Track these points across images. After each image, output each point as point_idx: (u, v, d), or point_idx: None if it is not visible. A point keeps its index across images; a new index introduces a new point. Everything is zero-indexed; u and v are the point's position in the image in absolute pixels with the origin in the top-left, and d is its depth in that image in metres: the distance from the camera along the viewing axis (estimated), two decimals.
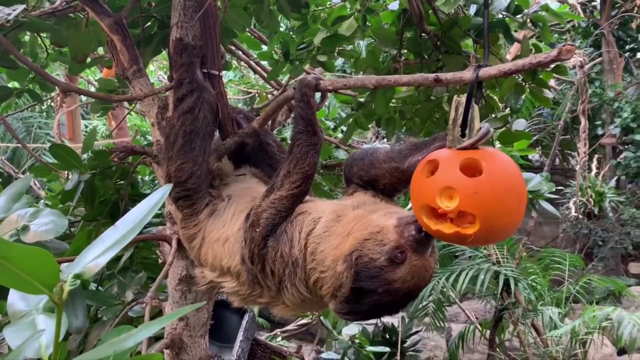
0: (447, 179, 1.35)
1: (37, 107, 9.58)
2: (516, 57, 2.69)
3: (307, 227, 1.69)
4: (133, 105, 4.06)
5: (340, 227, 1.65)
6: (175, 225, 2.20)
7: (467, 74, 1.38)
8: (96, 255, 0.86)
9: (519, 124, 3.18)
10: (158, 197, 0.93)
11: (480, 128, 1.39)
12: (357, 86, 1.70)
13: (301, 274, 1.66)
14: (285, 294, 1.71)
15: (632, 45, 10.72)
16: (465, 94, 1.37)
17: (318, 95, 1.96)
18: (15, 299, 1.03)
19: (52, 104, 8.39)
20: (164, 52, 2.63)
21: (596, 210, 9.33)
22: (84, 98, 8.21)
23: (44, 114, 10.71)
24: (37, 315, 0.96)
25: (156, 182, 4.68)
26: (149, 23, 2.52)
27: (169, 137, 1.98)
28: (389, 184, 1.77)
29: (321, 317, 4.86)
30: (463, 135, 1.41)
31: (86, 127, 9.91)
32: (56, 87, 3.91)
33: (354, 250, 1.56)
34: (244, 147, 2.22)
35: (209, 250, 1.92)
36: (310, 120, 1.74)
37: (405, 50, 2.73)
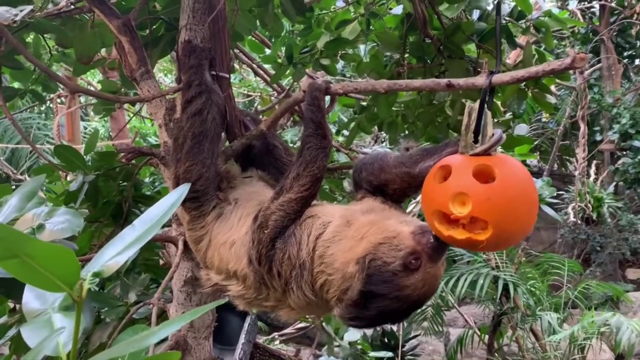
0: (460, 185, 1.36)
1: (35, 108, 9.59)
2: (518, 63, 2.71)
3: (316, 231, 1.69)
4: (133, 107, 4.07)
5: (352, 231, 1.65)
6: (181, 227, 2.20)
7: (480, 80, 1.38)
8: (115, 254, 0.87)
9: (521, 129, 3.19)
10: (176, 197, 0.93)
11: (493, 134, 1.39)
12: (367, 90, 1.70)
13: (308, 277, 1.66)
14: (290, 296, 1.71)
15: (630, 52, 10.78)
16: (478, 100, 1.38)
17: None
18: (30, 298, 1.03)
19: (52, 105, 8.39)
20: (169, 54, 2.65)
21: (594, 216, 9.36)
22: (82, 99, 8.22)
23: (43, 115, 10.71)
24: (53, 314, 0.96)
25: (156, 184, 4.68)
26: (156, 25, 2.53)
27: (177, 139, 1.99)
28: (399, 189, 1.77)
29: (323, 323, 4.86)
30: (476, 141, 1.42)
31: (85, 128, 9.91)
32: (59, 88, 3.93)
33: (367, 253, 1.56)
34: (251, 150, 2.23)
35: (215, 253, 1.92)
36: (320, 123, 1.75)
37: (407, 55, 2.74)
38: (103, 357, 0.82)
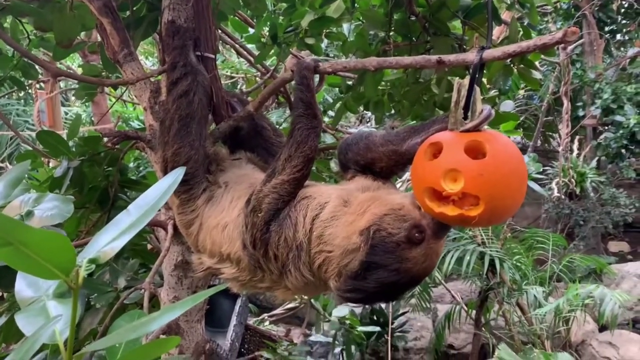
0: (452, 162, 1.35)
1: (14, 94, 9.42)
2: (504, 39, 2.70)
3: (312, 212, 1.68)
4: (115, 91, 4.01)
5: (353, 207, 1.64)
6: (169, 211, 2.19)
7: (471, 56, 1.37)
8: (110, 240, 0.85)
9: (507, 106, 3.20)
10: (170, 181, 0.92)
11: (482, 110, 1.39)
12: (357, 68, 1.69)
13: (305, 258, 1.65)
14: (288, 277, 1.70)
15: (612, 27, 10.83)
16: (467, 77, 1.37)
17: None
18: (23, 286, 1.02)
19: (31, 91, 8.24)
20: (151, 36, 2.60)
21: (578, 191, 9.48)
22: (62, 84, 8.07)
23: (22, 101, 10.52)
24: (47, 301, 0.95)
25: (141, 168, 4.64)
26: (138, 5, 2.48)
27: (164, 122, 1.96)
28: (386, 167, 1.77)
29: (311, 300, 4.89)
30: (465, 117, 1.41)
31: (66, 114, 9.76)
32: (39, 74, 3.85)
33: (371, 224, 1.55)
34: (239, 132, 2.20)
35: (207, 237, 1.90)
36: (310, 103, 1.73)
37: (393, 33, 2.72)
38: (102, 345, 0.81)
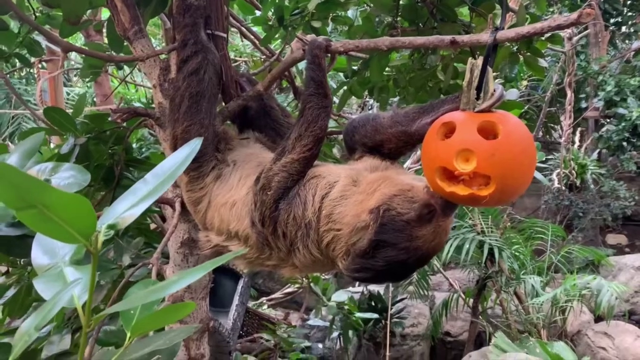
0: (466, 142, 1.35)
1: (16, 73, 9.39)
2: (511, 27, 2.70)
3: (321, 191, 1.68)
4: (117, 72, 3.99)
5: (361, 187, 1.65)
6: (177, 189, 2.19)
7: (484, 36, 1.38)
8: (129, 206, 0.86)
9: (512, 94, 3.19)
10: (188, 151, 0.93)
11: (494, 90, 1.40)
12: (369, 48, 1.68)
13: (314, 236, 1.66)
14: (296, 255, 1.71)
15: (617, 19, 10.78)
16: (480, 57, 1.37)
17: None
18: (39, 254, 1.03)
19: (32, 70, 8.21)
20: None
21: (578, 182, 9.50)
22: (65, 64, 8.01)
23: (24, 80, 10.50)
24: (64, 268, 0.96)
25: (143, 149, 4.64)
26: None
27: (174, 99, 1.96)
28: (395, 148, 1.77)
29: (311, 284, 4.92)
30: (477, 97, 1.42)
31: (68, 94, 9.75)
32: (44, 52, 3.84)
33: (381, 203, 1.56)
34: (247, 111, 2.21)
35: (216, 214, 1.91)
36: (321, 82, 1.73)
37: (399, 18, 2.72)
38: (119, 307, 0.82)
